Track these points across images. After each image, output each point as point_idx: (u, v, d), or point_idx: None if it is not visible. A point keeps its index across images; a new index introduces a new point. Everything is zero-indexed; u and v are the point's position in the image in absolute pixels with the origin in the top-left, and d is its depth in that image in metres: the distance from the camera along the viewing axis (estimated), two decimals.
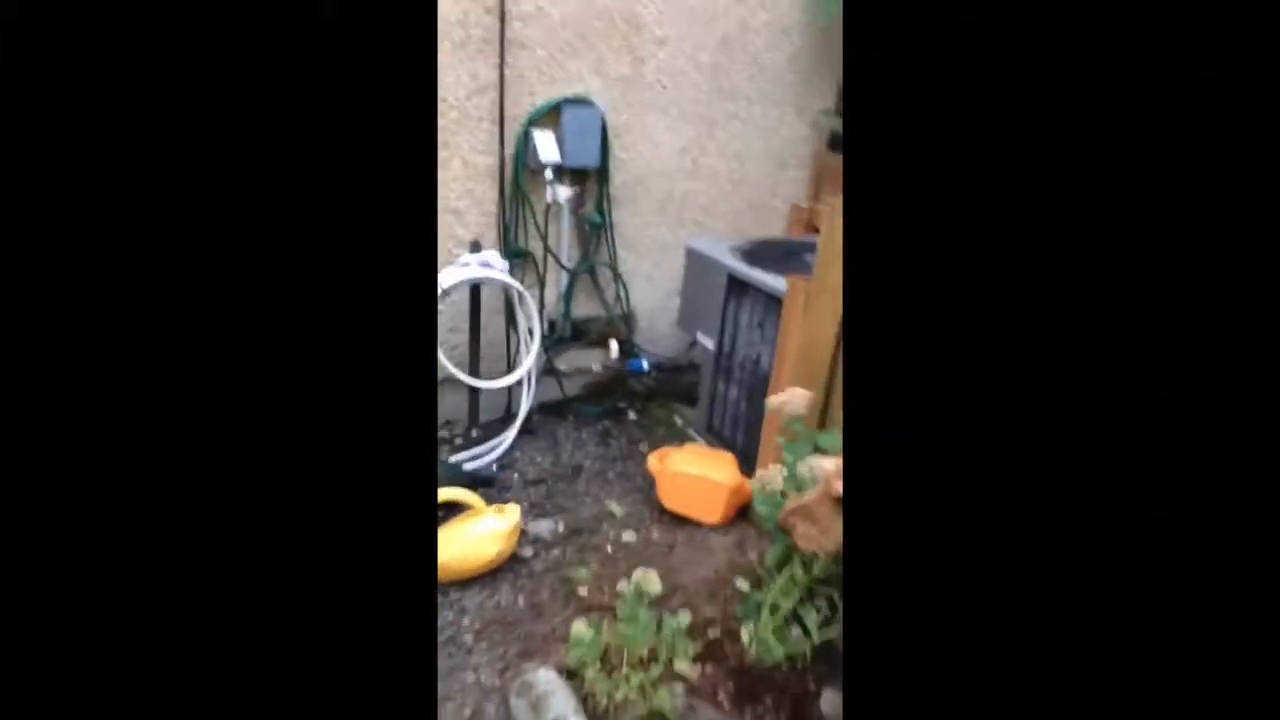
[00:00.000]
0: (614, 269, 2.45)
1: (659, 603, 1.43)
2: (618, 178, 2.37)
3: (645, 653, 1.30)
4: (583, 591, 1.68)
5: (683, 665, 1.34)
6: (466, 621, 1.60)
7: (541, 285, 2.34)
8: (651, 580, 1.42)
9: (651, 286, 2.59)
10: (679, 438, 2.40)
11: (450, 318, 2.21)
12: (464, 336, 2.20)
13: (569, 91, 2.18)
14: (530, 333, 2.20)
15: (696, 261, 2.23)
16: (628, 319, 2.55)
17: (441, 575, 1.66)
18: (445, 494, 1.69)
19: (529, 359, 2.18)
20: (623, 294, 2.50)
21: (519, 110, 2.13)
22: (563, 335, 2.44)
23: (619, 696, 1.27)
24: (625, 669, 1.30)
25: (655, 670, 1.29)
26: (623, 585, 1.37)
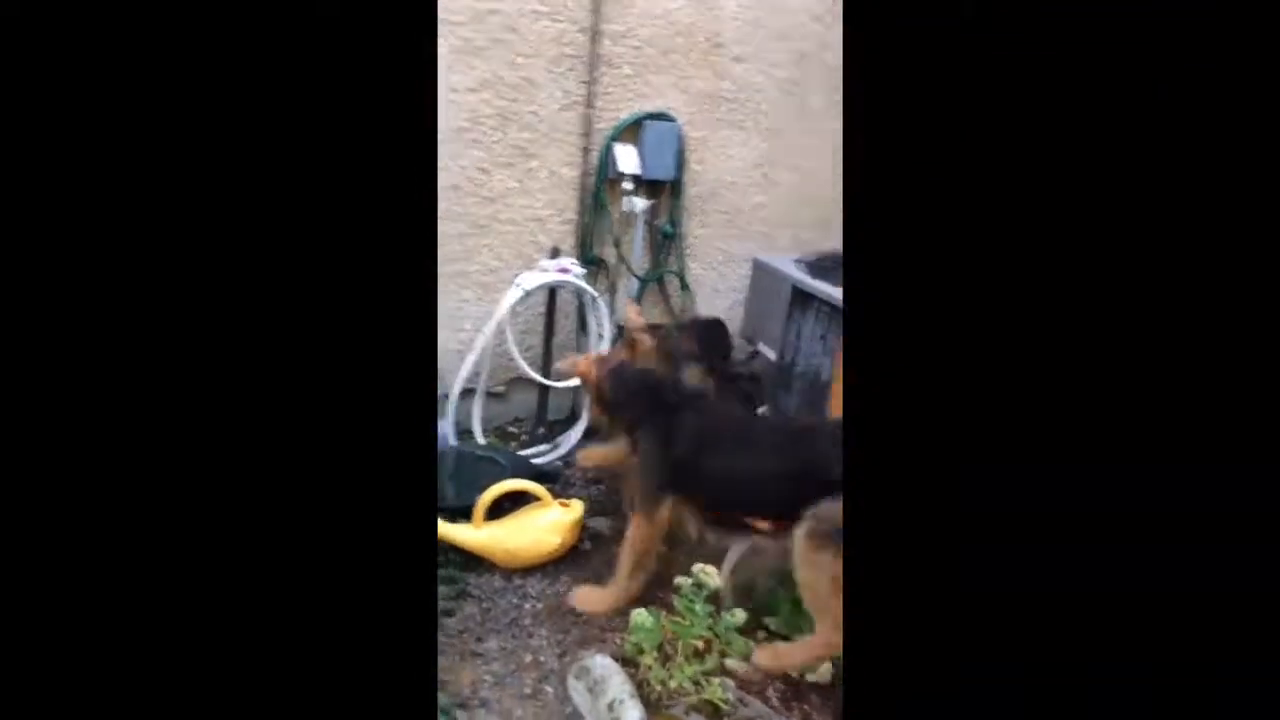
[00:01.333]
0: (682, 278, 2.52)
1: (714, 598, 1.49)
2: (691, 190, 2.45)
3: (700, 645, 1.36)
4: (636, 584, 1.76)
5: (734, 662, 1.39)
6: (528, 606, 1.70)
7: (612, 292, 2.44)
8: (710, 575, 1.48)
9: (717, 296, 2.65)
10: None
11: (526, 319, 2.33)
12: (538, 338, 2.32)
13: (651, 107, 2.27)
14: (600, 337, 2.30)
15: (762, 273, 2.29)
16: (701, 332, 2.61)
17: (507, 561, 1.76)
18: (514, 484, 1.79)
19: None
20: (689, 303, 2.57)
21: (603, 125, 2.23)
22: None
23: (672, 685, 1.33)
24: (680, 659, 1.36)
25: (710, 662, 1.35)
26: (680, 580, 1.43)
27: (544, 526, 1.78)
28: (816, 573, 1.34)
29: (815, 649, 1.37)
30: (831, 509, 1.35)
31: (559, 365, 2.03)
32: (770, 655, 1.40)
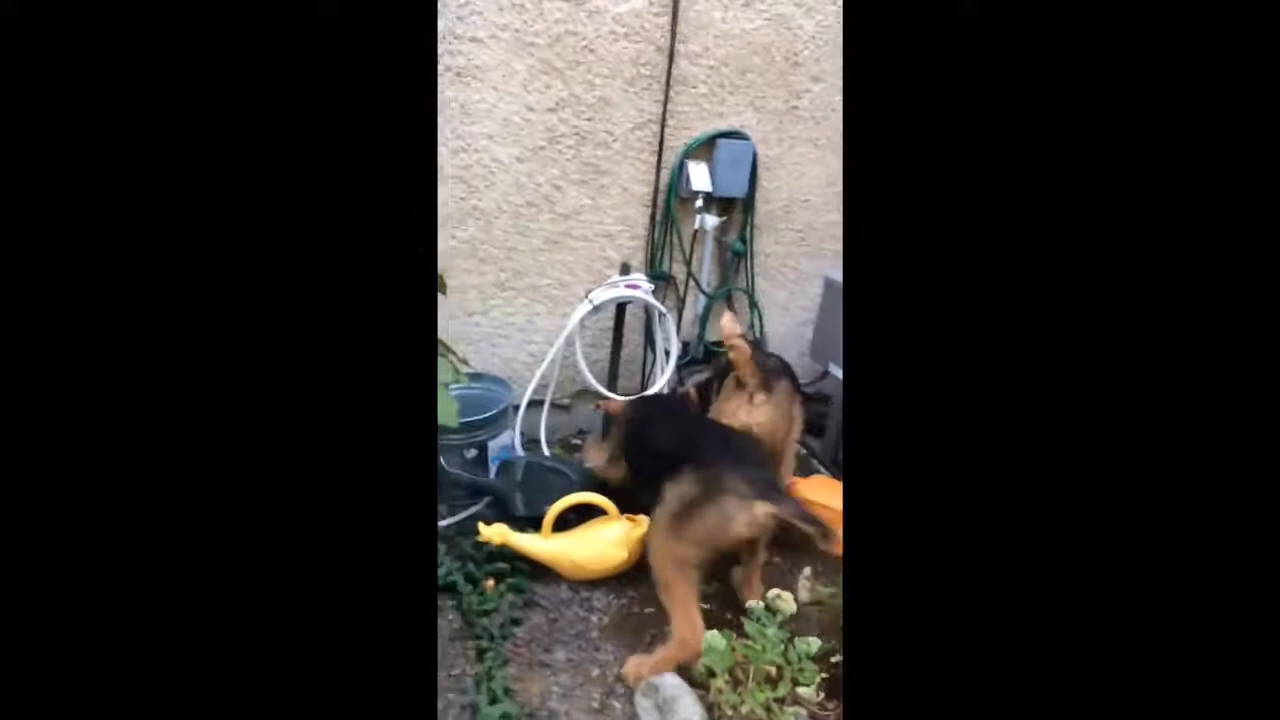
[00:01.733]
0: (751, 296, 2.51)
1: (788, 624, 1.45)
2: (763, 208, 2.44)
3: (773, 671, 1.33)
4: (705, 605, 1.73)
5: (806, 691, 1.35)
6: (594, 619, 1.70)
7: (680, 308, 2.45)
8: (786, 601, 1.45)
9: (786, 315, 2.62)
10: (804, 468, 2.39)
11: (594, 334, 2.36)
12: (604, 352, 2.35)
13: (725, 125, 2.28)
14: (667, 353, 2.30)
15: (834, 292, 2.25)
16: (760, 345, 2.59)
17: (573, 573, 1.77)
18: (584, 497, 1.80)
19: (664, 377, 2.28)
20: (757, 321, 2.54)
21: (676, 143, 2.26)
22: (695, 356, 2.52)
23: (744, 710, 1.30)
24: (751, 684, 1.33)
25: (782, 689, 1.31)
26: (753, 604, 1.41)
27: (610, 540, 1.79)
28: (660, 559, 1.37)
29: (669, 652, 1.38)
30: (676, 490, 1.40)
31: (607, 405, 2.10)
32: (631, 665, 1.42)
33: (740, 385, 1.81)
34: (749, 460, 1.45)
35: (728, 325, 1.78)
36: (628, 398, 2.03)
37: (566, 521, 1.80)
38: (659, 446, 1.58)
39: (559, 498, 1.78)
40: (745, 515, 1.34)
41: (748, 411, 1.77)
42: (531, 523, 1.84)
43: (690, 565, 1.36)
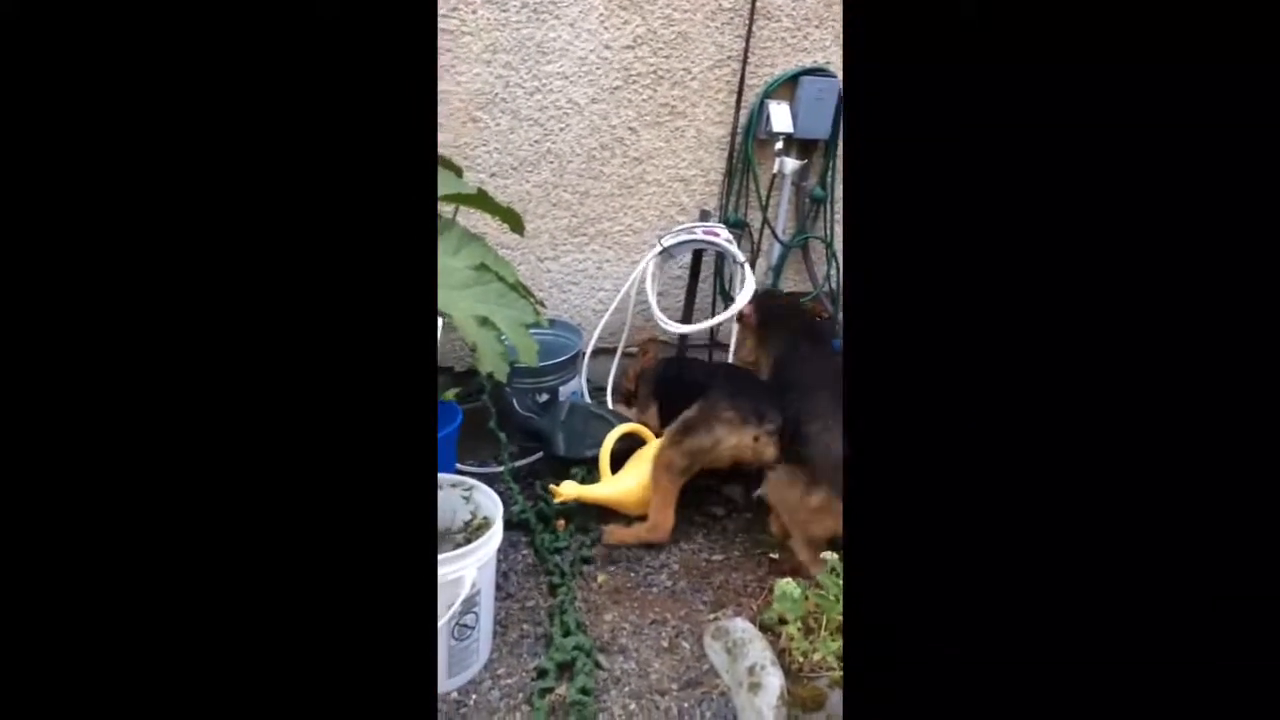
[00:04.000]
0: (828, 244, 2.41)
1: None
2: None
3: None
4: (773, 554, 1.73)
5: None
6: (662, 559, 1.72)
7: (754, 256, 2.37)
8: None
9: None
10: None
11: (663, 282, 2.32)
12: (673, 300, 2.31)
13: (809, 61, 2.16)
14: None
15: None
16: (834, 297, 2.50)
17: (640, 507, 1.76)
18: (626, 427, 1.86)
19: (725, 316, 2.24)
20: (835, 271, 2.45)
21: (758, 81, 2.15)
22: None
23: (815, 657, 1.30)
24: (823, 633, 1.32)
25: None
26: (828, 554, 1.39)
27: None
28: (656, 463, 1.68)
29: (642, 531, 1.71)
30: (682, 416, 1.71)
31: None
32: (610, 530, 1.73)
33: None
34: (746, 393, 1.74)
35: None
36: (649, 349, 2.16)
37: (618, 462, 1.82)
38: (680, 389, 1.87)
39: (599, 442, 1.80)
40: (734, 438, 1.65)
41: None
42: (574, 464, 1.89)
43: (677, 471, 1.67)
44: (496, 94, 1.99)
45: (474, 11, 1.90)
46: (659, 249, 2.08)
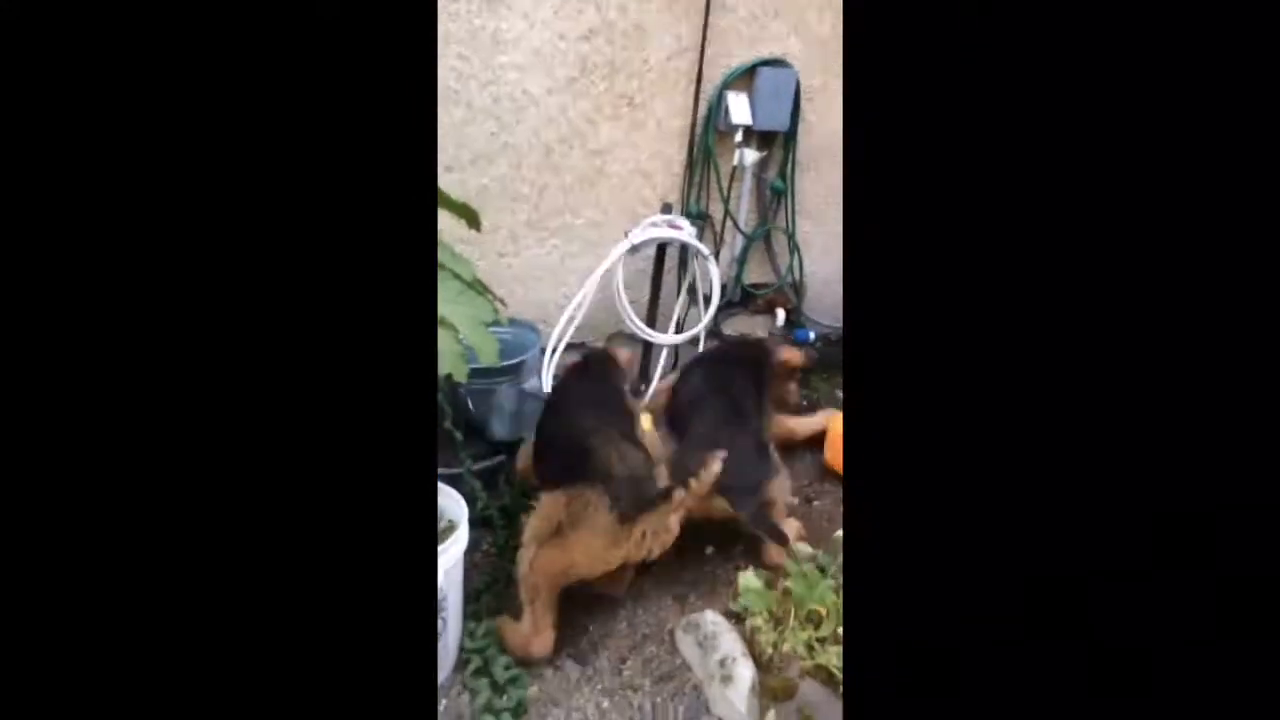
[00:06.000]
0: (791, 236, 2.42)
1: (833, 566, 1.44)
2: (805, 142, 2.33)
3: (823, 612, 1.32)
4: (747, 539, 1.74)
5: None
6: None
7: (717, 248, 2.37)
8: (835, 544, 1.43)
9: (826, 257, 2.53)
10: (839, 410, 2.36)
11: (627, 276, 2.30)
12: (638, 294, 2.30)
13: (767, 52, 2.16)
14: (706, 297, 2.25)
15: None
16: (798, 288, 2.52)
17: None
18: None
19: (705, 320, 2.24)
20: (797, 264, 2.46)
21: (715, 72, 2.14)
22: (732, 300, 2.46)
23: (785, 648, 1.31)
24: (793, 624, 1.33)
25: (825, 629, 1.31)
26: (799, 546, 1.40)
27: None
28: (525, 572, 1.32)
29: (527, 635, 1.36)
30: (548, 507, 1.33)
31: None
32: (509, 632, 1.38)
33: None
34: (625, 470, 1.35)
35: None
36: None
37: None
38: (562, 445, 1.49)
39: (533, 423, 1.75)
40: (612, 550, 1.28)
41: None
42: (508, 447, 1.85)
43: (555, 587, 1.34)
44: (449, 86, 1.94)
45: None
46: (627, 244, 2.06)
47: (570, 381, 1.73)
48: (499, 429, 1.85)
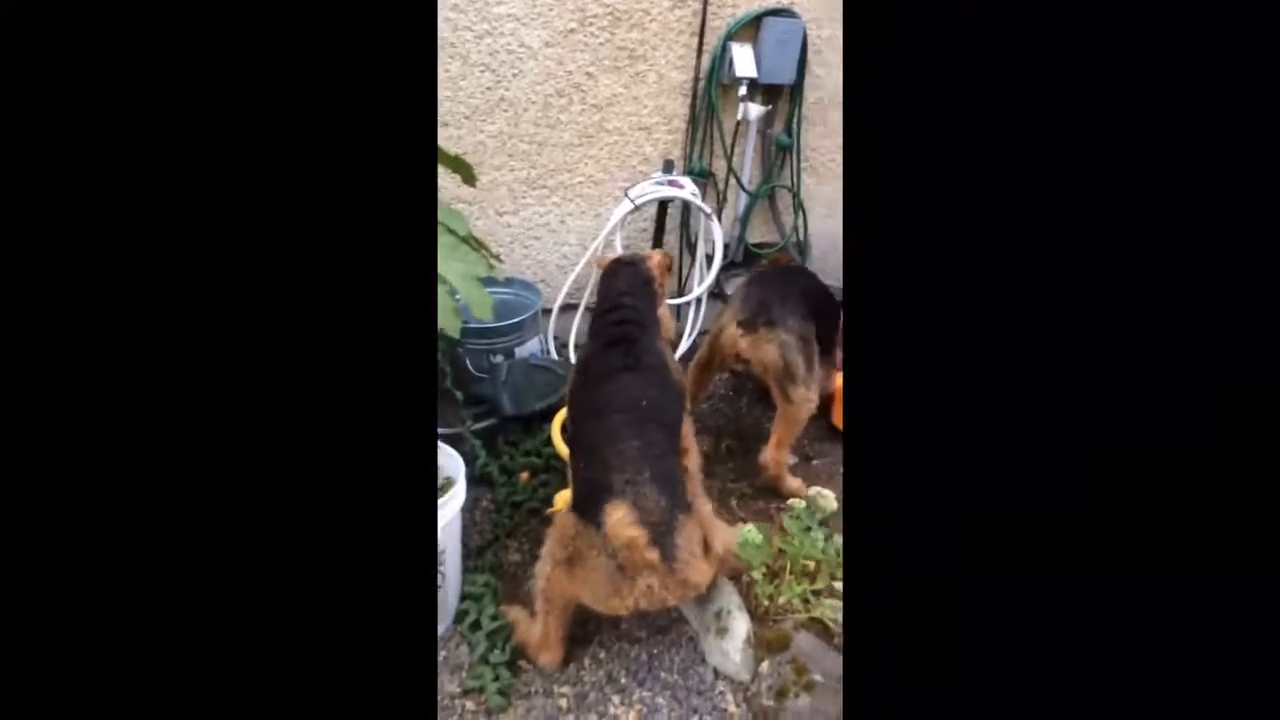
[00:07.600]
0: (796, 194, 2.37)
1: (829, 522, 1.45)
2: (812, 96, 2.26)
3: (812, 566, 1.33)
4: (733, 503, 1.75)
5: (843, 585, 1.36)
6: None
7: (720, 206, 2.33)
8: (828, 499, 1.44)
9: (833, 215, 2.48)
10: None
11: (628, 235, 2.27)
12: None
13: (773, 1, 2.08)
14: (709, 257, 2.22)
15: None
16: (802, 247, 2.48)
17: None
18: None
19: (707, 280, 2.21)
20: (802, 222, 2.42)
21: (719, 23, 2.07)
22: (734, 259, 2.43)
23: (780, 601, 1.32)
24: (789, 577, 1.34)
25: (820, 582, 1.32)
26: (794, 501, 1.40)
27: None
28: (538, 582, 1.28)
29: (534, 645, 1.34)
30: (562, 529, 1.25)
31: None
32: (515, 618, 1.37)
33: None
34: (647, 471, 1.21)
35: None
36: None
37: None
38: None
39: (545, 394, 1.77)
40: (613, 599, 1.18)
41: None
42: (521, 421, 1.85)
43: (568, 608, 1.30)
44: (444, 38, 1.89)
45: None
46: (630, 205, 2.02)
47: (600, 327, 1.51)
48: (507, 404, 1.83)
